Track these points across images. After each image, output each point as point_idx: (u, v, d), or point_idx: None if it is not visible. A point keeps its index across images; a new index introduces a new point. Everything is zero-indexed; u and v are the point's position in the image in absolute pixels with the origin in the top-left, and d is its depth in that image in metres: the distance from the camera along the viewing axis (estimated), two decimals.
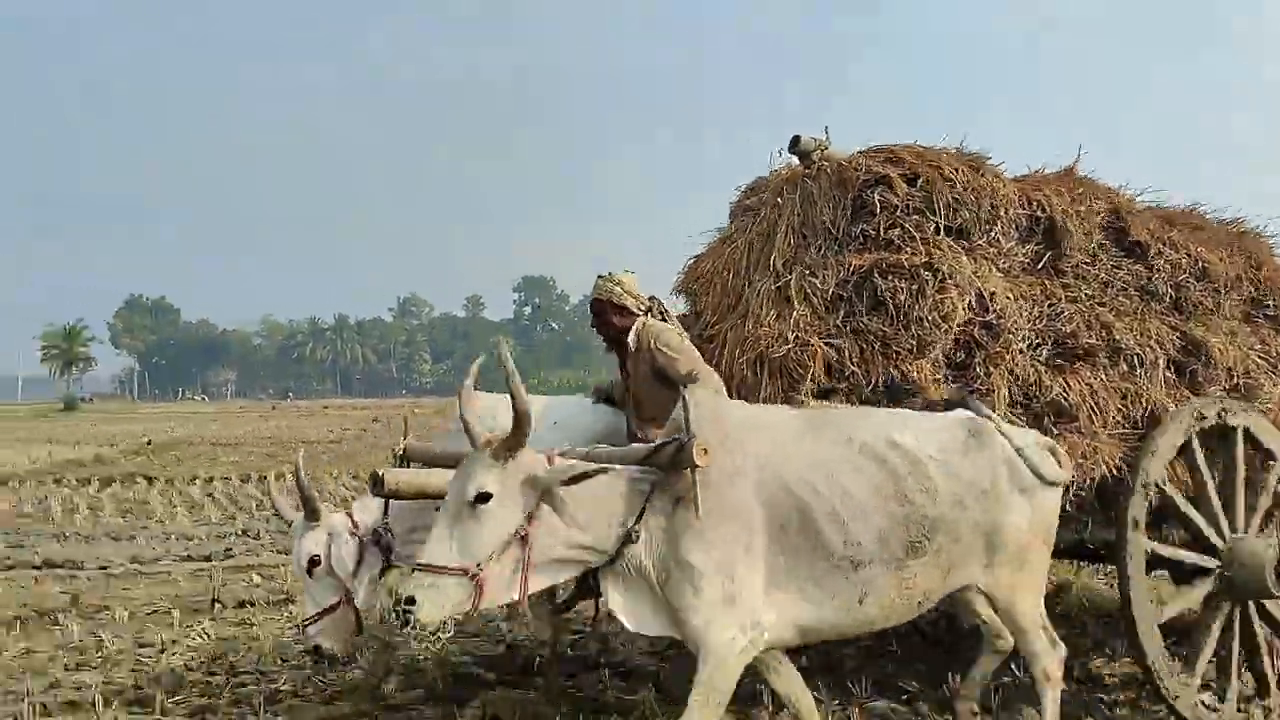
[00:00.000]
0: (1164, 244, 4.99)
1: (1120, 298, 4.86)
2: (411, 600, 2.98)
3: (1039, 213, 4.80)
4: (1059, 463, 3.86)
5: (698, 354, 4.23)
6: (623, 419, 4.48)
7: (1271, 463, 4.65)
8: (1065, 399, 4.36)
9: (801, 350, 4.23)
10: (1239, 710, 4.48)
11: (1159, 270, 4.94)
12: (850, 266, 4.45)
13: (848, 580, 3.37)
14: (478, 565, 3.04)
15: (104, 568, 9.03)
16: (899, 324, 4.26)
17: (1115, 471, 4.32)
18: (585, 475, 3.15)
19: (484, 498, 3.07)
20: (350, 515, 4.20)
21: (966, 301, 4.33)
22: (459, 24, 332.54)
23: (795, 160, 5.01)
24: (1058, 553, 4.47)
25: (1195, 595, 4.48)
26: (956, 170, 4.62)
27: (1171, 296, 4.98)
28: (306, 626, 4.09)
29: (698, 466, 3.18)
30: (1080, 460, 4.21)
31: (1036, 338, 4.52)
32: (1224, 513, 4.47)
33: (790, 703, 3.69)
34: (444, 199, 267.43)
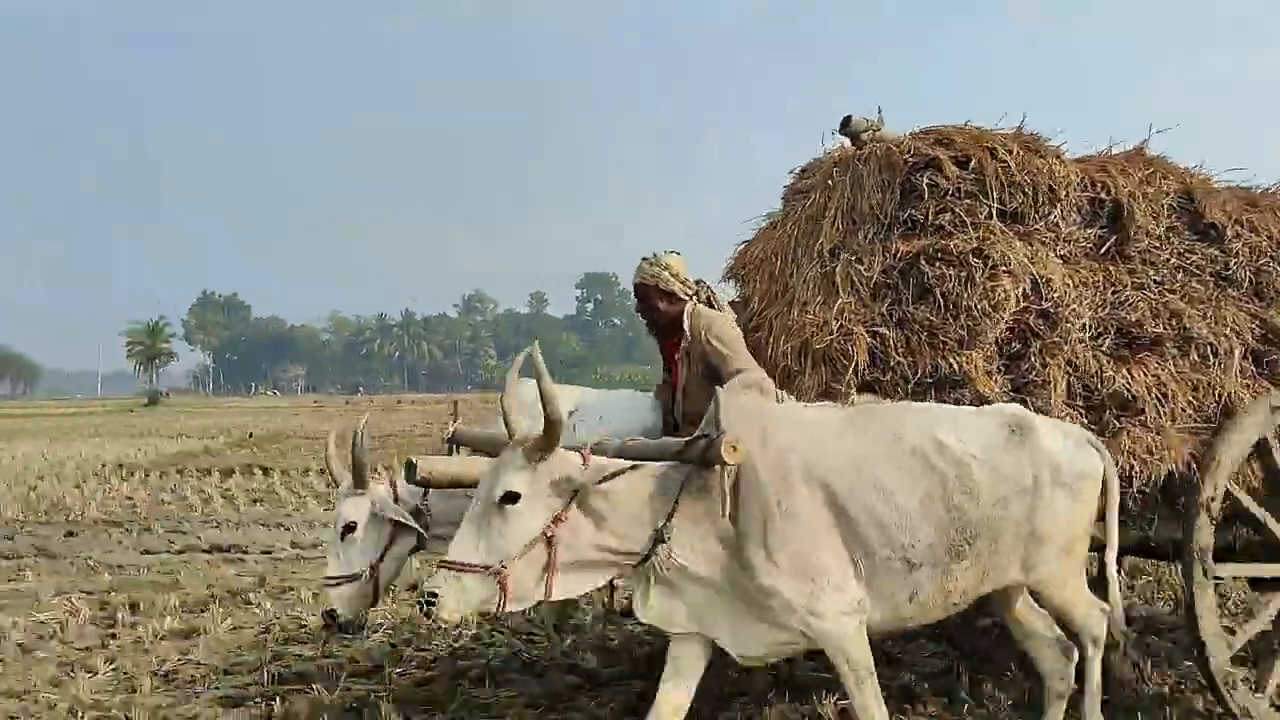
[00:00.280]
0: (1242, 226, 4.66)
1: (1193, 283, 4.55)
2: (434, 595, 2.99)
3: (1103, 195, 4.53)
4: (1101, 455, 3.67)
5: (747, 352, 4.08)
6: (658, 407, 4.34)
7: None
8: (1129, 391, 4.11)
9: (845, 340, 4.07)
10: None
11: (1237, 254, 4.60)
12: (897, 253, 4.26)
13: (904, 581, 3.31)
14: (501, 564, 3.02)
15: (267, 551, 9.25)
16: (946, 313, 4.07)
17: (1184, 467, 4.07)
18: (617, 474, 3.11)
19: (512, 498, 3.06)
20: (395, 489, 4.20)
21: (1020, 289, 4.11)
22: (524, 19, 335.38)
23: (848, 142, 4.82)
24: (1121, 551, 4.26)
25: (1268, 613, 4.21)
26: (1011, 152, 4.38)
27: (1251, 281, 4.64)
28: (327, 587, 4.11)
29: (726, 464, 3.10)
30: (1145, 456, 3.99)
31: (1098, 326, 4.27)
32: None
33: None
34: (509, 197, 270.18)
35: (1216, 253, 4.63)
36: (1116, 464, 3.81)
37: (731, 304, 4.85)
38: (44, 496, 13.23)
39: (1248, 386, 4.35)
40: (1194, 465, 4.07)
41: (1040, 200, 4.38)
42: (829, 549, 3.23)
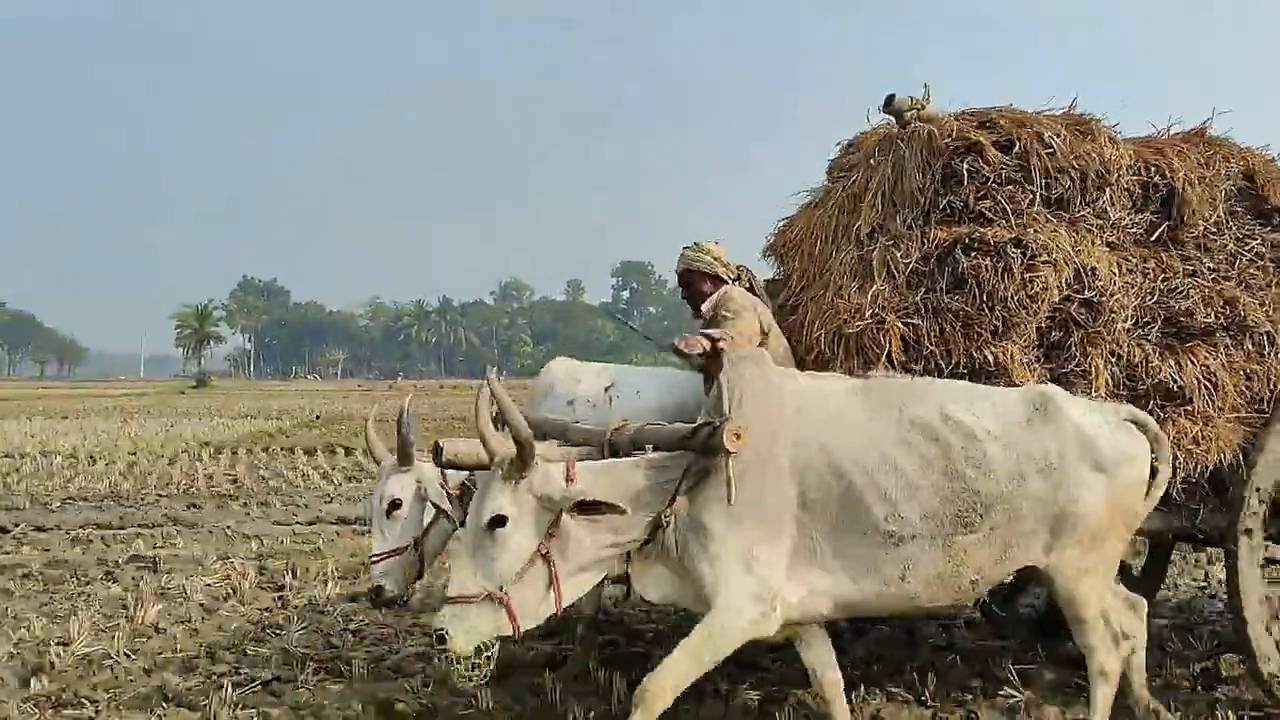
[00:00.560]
0: None
1: (1251, 270, 4.37)
2: (443, 634, 3.00)
3: (1156, 178, 4.37)
4: (1150, 438, 3.53)
5: (754, 326, 4.01)
6: (697, 387, 4.28)
7: None
8: (1175, 381, 3.98)
9: (878, 328, 3.98)
10: None
11: None
12: (934, 240, 4.15)
13: (888, 555, 3.25)
14: (499, 588, 3.04)
15: None
16: (982, 304, 3.96)
17: (1234, 457, 3.95)
18: (596, 506, 3.08)
19: (500, 521, 3.07)
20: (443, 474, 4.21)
21: (1062, 278, 3.98)
22: (549, 23, 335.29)
23: (892, 119, 4.69)
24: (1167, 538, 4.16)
25: None
26: (1057, 135, 4.24)
27: None
28: (374, 563, 4.18)
29: (730, 452, 3.10)
30: (1191, 446, 3.88)
31: (1145, 315, 4.13)
32: None
33: (815, 676, 3.58)
34: (546, 186, 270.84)
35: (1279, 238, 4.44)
36: None
37: (770, 282, 4.80)
38: (146, 472, 13.42)
39: None
40: (1243, 455, 3.95)
41: (1088, 186, 4.25)
42: (773, 542, 3.21)
